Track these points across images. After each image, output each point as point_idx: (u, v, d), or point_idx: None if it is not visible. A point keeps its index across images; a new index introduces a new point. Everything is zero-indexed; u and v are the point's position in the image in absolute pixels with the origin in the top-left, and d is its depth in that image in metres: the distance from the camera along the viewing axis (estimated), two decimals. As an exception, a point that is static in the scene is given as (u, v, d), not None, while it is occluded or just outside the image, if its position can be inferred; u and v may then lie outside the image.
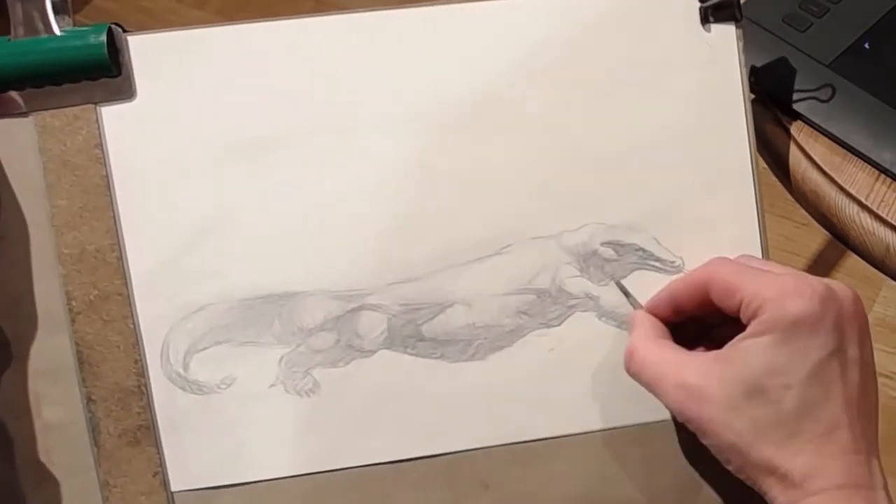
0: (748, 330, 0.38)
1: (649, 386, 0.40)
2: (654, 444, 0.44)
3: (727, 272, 0.40)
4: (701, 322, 0.43)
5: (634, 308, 0.44)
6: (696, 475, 0.44)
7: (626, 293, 0.44)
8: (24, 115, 0.43)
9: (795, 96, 0.52)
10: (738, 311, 0.39)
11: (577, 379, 0.44)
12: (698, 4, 0.44)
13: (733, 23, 0.44)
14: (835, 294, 0.38)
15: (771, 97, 0.53)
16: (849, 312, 0.38)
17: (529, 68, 0.44)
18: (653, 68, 0.44)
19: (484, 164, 0.44)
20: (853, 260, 1.23)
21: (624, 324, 0.44)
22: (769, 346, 0.37)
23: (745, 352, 0.38)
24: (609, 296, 0.44)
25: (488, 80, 0.44)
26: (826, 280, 0.39)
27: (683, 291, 0.42)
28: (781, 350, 0.37)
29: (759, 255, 0.45)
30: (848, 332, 0.38)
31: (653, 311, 0.43)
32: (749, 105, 0.45)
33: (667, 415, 0.44)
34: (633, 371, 0.41)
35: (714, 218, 0.45)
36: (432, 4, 0.44)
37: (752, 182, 0.45)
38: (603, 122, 0.44)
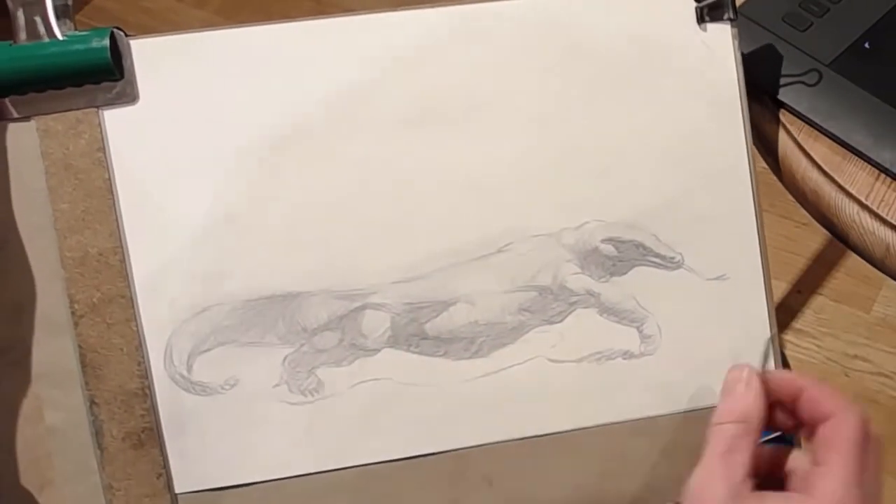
0: (788, 494, 0.37)
1: (704, 451, 0.37)
2: (657, 437, 0.45)
3: (844, 437, 0.37)
4: None
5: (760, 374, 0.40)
6: (699, 470, 0.44)
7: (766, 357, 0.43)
8: (25, 119, 0.43)
9: (792, 85, 0.52)
10: (812, 463, 0.38)
11: (580, 375, 0.44)
12: (694, 4, 0.45)
13: (729, 22, 0.45)
14: None
15: (767, 91, 0.53)
16: None
17: (528, 68, 0.44)
18: (650, 67, 0.45)
19: (485, 163, 0.44)
20: (853, 260, 1.24)
21: (625, 319, 0.44)
22: None
23: None
24: (610, 292, 0.44)
25: (487, 80, 0.44)
26: None
27: (809, 403, 0.39)
28: None
29: (757, 251, 0.45)
30: None
31: (768, 386, 0.39)
32: (745, 103, 0.45)
33: (670, 408, 0.44)
34: (712, 430, 0.38)
35: (712, 214, 0.45)
36: (432, 6, 0.45)
37: (749, 178, 0.45)
38: (601, 120, 0.45)
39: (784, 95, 0.52)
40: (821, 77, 0.52)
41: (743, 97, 0.45)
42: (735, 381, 0.40)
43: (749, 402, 0.39)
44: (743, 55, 0.46)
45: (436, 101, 0.44)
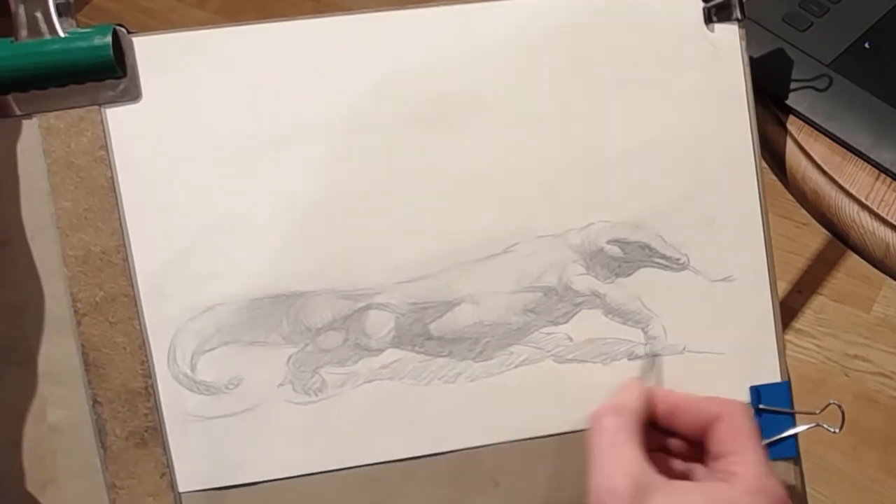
0: (704, 483, 0.38)
1: (590, 454, 0.39)
2: (661, 439, 0.44)
3: (745, 427, 0.39)
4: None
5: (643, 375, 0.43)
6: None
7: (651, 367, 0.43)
8: (27, 116, 0.43)
9: (792, 85, 0.52)
10: (716, 457, 0.39)
11: (585, 375, 0.44)
12: (702, 4, 0.45)
13: (736, 22, 0.45)
14: None
15: (767, 91, 0.53)
16: None
17: (533, 68, 0.44)
18: (657, 67, 0.45)
19: (490, 164, 0.44)
20: (853, 260, 1.24)
21: (630, 320, 0.44)
22: None
23: (684, 497, 0.37)
24: (615, 293, 0.44)
25: (492, 79, 0.44)
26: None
27: (691, 412, 0.41)
28: None
29: (763, 252, 0.45)
30: None
31: (651, 399, 0.42)
32: (753, 104, 0.45)
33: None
34: (592, 427, 0.40)
35: (718, 215, 0.45)
36: (434, 5, 0.44)
37: (755, 179, 0.45)
38: (608, 121, 0.45)
39: (780, 89, 0.52)
40: (831, 82, 0.52)
41: (750, 98, 0.45)
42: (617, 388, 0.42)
43: (624, 397, 0.41)
44: (750, 58, 0.46)
45: (440, 101, 0.44)
